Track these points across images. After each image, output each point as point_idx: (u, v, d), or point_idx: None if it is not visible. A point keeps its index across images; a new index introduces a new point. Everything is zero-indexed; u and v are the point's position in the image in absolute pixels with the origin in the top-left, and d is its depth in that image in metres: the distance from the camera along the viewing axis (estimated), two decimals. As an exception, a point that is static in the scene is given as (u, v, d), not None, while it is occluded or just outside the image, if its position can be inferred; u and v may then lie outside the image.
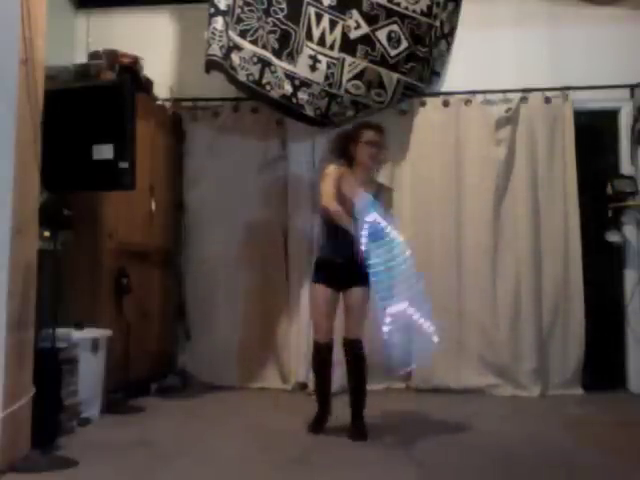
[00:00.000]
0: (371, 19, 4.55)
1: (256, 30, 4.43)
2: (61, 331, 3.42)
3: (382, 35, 4.59)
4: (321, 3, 4.52)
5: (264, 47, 4.46)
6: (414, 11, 4.62)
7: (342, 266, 3.61)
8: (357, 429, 3.54)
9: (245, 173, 5.18)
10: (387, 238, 3.30)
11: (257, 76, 4.43)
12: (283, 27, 4.49)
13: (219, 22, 4.26)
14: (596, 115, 5.20)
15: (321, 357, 3.67)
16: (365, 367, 3.65)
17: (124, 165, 3.21)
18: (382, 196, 3.68)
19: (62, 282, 3.55)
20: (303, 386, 4.96)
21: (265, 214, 5.15)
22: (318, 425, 3.65)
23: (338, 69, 4.57)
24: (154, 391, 4.77)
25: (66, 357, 3.55)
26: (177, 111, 5.24)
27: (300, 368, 4.99)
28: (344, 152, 3.76)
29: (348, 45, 4.56)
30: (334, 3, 4.52)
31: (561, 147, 5.02)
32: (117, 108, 3.30)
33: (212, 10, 4.27)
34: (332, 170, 3.69)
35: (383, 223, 3.31)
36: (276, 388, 5.00)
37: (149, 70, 4.83)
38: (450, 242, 4.97)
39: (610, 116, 5.20)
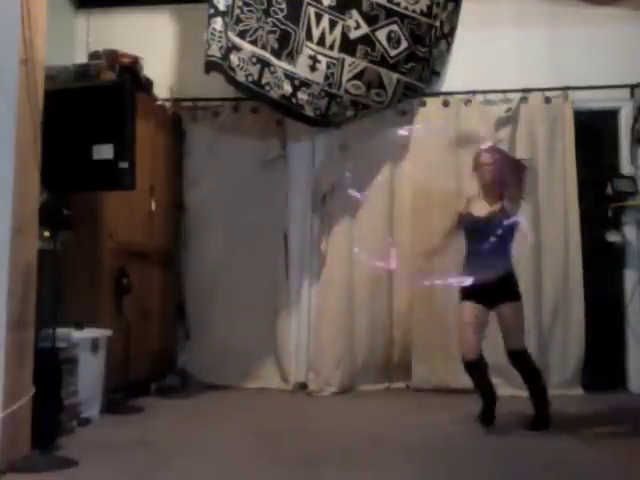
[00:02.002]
0: (371, 19, 4.55)
1: (255, 30, 4.42)
2: (61, 331, 3.42)
3: (382, 35, 4.59)
4: (321, 3, 4.52)
5: (263, 47, 4.46)
6: (414, 11, 4.62)
7: (489, 284, 3.71)
8: (539, 420, 3.69)
9: (245, 173, 5.18)
10: None
11: (256, 76, 4.43)
12: (283, 27, 4.49)
13: (218, 23, 4.26)
14: (596, 115, 5.20)
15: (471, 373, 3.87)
16: (535, 374, 3.81)
17: (124, 165, 3.21)
18: (515, 206, 3.82)
19: (62, 282, 3.55)
20: (303, 386, 4.97)
21: (265, 214, 5.15)
22: (488, 415, 3.79)
23: (338, 69, 4.57)
24: (154, 391, 4.77)
25: (66, 357, 3.55)
26: (177, 111, 5.25)
27: (300, 368, 4.99)
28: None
29: (348, 45, 4.56)
30: (334, 3, 4.52)
31: (561, 147, 5.02)
32: (117, 108, 3.30)
33: (211, 11, 4.27)
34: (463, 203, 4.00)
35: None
36: (276, 388, 5.00)
37: (149, 70, 4.83)
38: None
39: (610, 116, 5.20)
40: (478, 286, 3.67)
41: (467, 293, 3.78)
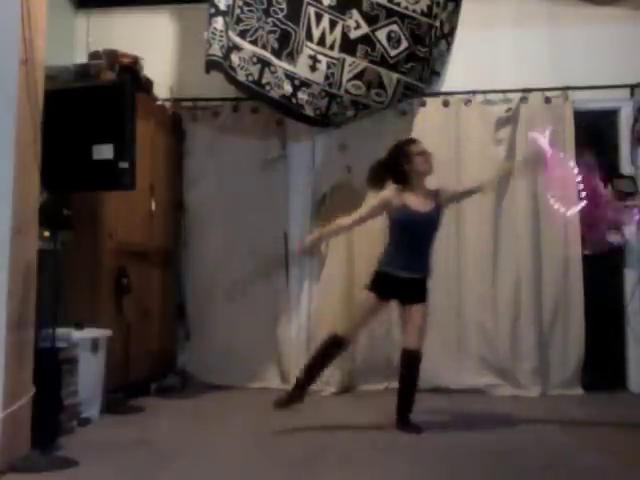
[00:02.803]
0: (371, 19, 4.55)
1: (256, 30, 4.43)
2: (61, 331, 3.42)
3: (382, 35, 4.59)
4: (321, 3, 4.52)
5: (264, 47, 4.46)
6: (414, 11, 4.62)
7: (406, 282, 3.70)
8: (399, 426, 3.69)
9: (245, 173, 5.18)
10: None
11: (257, 76, 4.43)
12: (283, 27, 4.49)
13: (219, 22, 4.27)
14: (596, 115, 5.20)
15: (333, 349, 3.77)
16: (415, 380, 3.80)
17: (124, 165, 3.21)
18: (446, 195, 3.83)
19: (62, 282, 3.55)
20: (303, 386, 4.96)
21: (265, 214, 5.15)
22: (287, 404, 3.74)
23: (338, 69, 4.57)
24: (154, 391, 4.77)
25: (66, 357, 3.55)
26: (177, 111, 5.25)
27: (300, 368, 4.98)
28: (398, 174, 3.78)
29: (348, 45, 4.56)
30: (334, 3, 4.52)
31: (561, 147, 5.01)
32: (117, 108, 3.29)
33: (212, 10, 4.28)
34: (388, 193, 3.77)
35: None
36: (276, 388, 4.99)
37: (149, 70, 4.83)
38: (450, 241, 4.97)
39: (610, 116, 5.20)
40: (403, 282, 3.68)
41: (386, 287, 3.71)
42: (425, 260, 3.78)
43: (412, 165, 3.74)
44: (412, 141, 3.88)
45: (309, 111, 4.63)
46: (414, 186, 3.75)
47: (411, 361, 3.74)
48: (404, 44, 4.64)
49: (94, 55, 4.58)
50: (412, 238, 3.71)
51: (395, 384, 4.97)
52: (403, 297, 3.75)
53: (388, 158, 3.81)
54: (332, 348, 3.79)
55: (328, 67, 4.55)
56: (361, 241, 4.91)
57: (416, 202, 3.72)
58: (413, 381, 3.76)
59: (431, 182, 3.84)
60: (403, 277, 3.69)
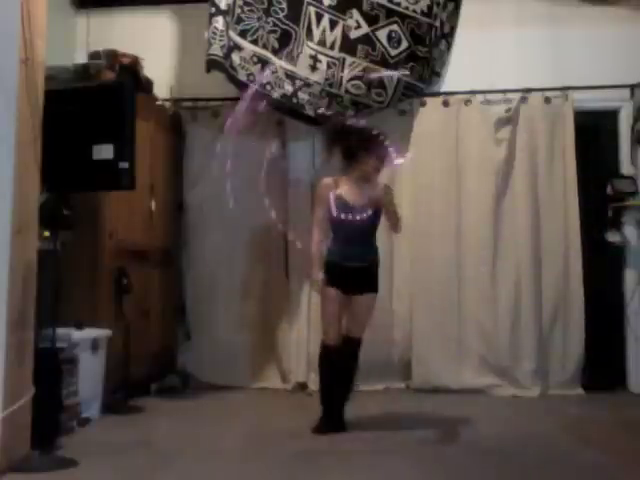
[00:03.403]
0: (371, 19, 4.55)
1: (256, 30, 4.43)
2: (61, 331, 3.42)
3: (382, 35, 4.59)
4: (321, 3, 4.52)
5: (264, 47, 4.46)
6: (414, 11, 4.61)
7: (353, 271, 3.66)
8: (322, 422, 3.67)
9: (245, 173, 5.16)
10: None
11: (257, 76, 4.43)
12: (283, 27, 4.49)
13: (220, 22, 4.27)
14: (596, 115, 5.20)
15: (330, 359, 3.71)
16: (357, 365, 3.82)
17: (124, 165, 3.21)
18: (388, 196, 3.75)
19: (62, 282, 3.54)
20: (303, 386, 4.96)
21: (265, 214, 5.12)
22: (324, 427, 3.63)
23: (338, 69, 4.57)
24: (154, 391, 4.77)
25: (66, 357, 3.55)
26: (177, 111, 5.25)
27: (300, 368, 4.99)
28: (349, 155, 3.72)
29: (348, 45, 4.56)
30: (334, 3, 4.52)
31: (561, 147, 5.02)
32: (117, 108, 3.29)
33: (213, 10, 4.28)
34: (326, 185, 3.72)
35: None
36: (276, 388, 5.00)
37: (149, 70, 4.83)
38: (450, 241, 4.97)
39: (610, 116, 5.20)
40: (348, 272, 3.66)
41: (334, 279, 3.66)
42: (365, 249, 3.72)
43: (363, 165, 3.68)
44: (379, 142, 3.69)
45: (309, 111, 4.63)
46: (355, 176, 3.70)
47: (353, 346, 3.75)
48: (404, 44, 4.64)
49: (94, 55, 4.58)
50: (346, 231, 3.67)
51: (395, 384, 5.01)
52: (347, 286, 3.69)
53: (351, 140, 3.70)
54: (328, 358, 3.73)
55: (328, 67, 4.55)
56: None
57: (351, 193, 3.68)
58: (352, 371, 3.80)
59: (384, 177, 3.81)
60: (346, 266, 3.67)
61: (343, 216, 3.61)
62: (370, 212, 3.64)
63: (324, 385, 3.78)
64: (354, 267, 3.68)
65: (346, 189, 3.71)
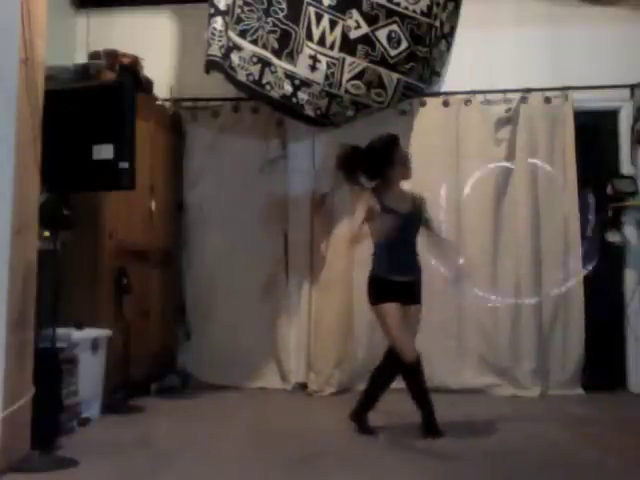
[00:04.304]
0: (371, 19, 4.55)
1: (256, 30, 4.42)
2: (61, 331, 3.42)
3: (382, 35, 4.59)
4: (321, 3, 4.51)
5: (264, 47, 4.45)
6: (414, 11, 4.61)
7: (407, 284, 3.62)
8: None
9: (245, 173, 5.18)
10: None
11: (257, 76, 4.43)
12: (283, 27, 4.49)
13: (219, 22, 4.27)
14: (596, 115, 5.20)
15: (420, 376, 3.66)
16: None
17: (124, 165, 3.21)
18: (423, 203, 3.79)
19: (62, 282, 3.54)
20: (303, 386, 4.96)
21: (265, 214, 5.14)
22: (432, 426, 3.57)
23: (338, 69, 4.57)
24: (154, 391, 4.77)
25: (66, 357, 3.55)
26: (177, 111, 5.25)
27: (300, 368, 4.99)
28: (376, 172, 3.69)
29: (348, 45, 4.56)
30: (334, 3, 4.51)
31: (561, 147, 5.02)
32: (117, 108, 3.29)
33: (212, 10, 4.27)
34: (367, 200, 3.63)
35: None
36: (276, 388, 5.00)
37: (149, 70, 4.83)
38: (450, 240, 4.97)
39: (610, 116, 5.20)
40: (405, 286, 3.60)
41: (394, 294, 3.57)
42: (414, 257, 3.70)
43: (394, 170, 3.67)
44: (396, 144, 3.72)
45: (309, 111, 4.63)
46: (390, 187, 3.69)
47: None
48: (404, 44, 4.64)
49: (94, 55, 4.58)
50: (399, 239, 3.59)
51: (394, 384, 5.00)
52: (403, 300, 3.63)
53: (370, 153, 3.69)
54: (418, 375, 3.67)
55: (328, 67, 4.54)
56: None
57: (395, 203, 3.63)
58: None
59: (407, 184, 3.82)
60: (399, 281, 3.60)
61: (396, 227, 3.52)
62: (417, 219, 3.68)
63: (424, 397, 3.70)
64: (409, 281, 3.63)
65: (390, 200, 3.63)
